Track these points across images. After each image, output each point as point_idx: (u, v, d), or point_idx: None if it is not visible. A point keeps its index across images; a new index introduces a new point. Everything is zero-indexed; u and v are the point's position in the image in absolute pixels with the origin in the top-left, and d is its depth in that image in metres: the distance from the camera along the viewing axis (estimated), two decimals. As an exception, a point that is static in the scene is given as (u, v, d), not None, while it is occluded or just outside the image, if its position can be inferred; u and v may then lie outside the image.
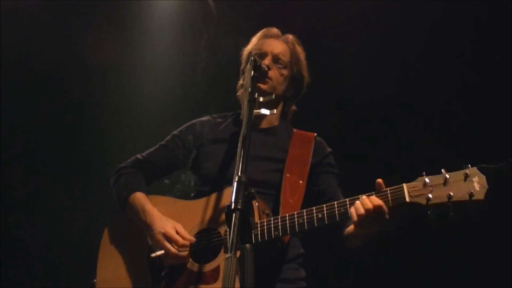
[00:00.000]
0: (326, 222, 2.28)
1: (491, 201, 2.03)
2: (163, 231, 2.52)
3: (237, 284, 1.63)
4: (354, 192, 2.36)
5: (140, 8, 4.89)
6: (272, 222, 2.36)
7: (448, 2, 4.23)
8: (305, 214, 2.32)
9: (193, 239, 2.51)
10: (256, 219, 2.36)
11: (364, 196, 2.23)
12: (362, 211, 2.18)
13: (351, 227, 2.43)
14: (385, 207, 2.18)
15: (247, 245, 1.73)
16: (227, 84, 3.06)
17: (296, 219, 2.32)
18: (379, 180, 2.24)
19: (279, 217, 2.37)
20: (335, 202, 2.30)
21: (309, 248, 2.75)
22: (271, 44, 2.84)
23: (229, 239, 1.70)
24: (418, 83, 4.38)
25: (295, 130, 2.89)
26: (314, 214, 2.30)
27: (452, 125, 4.24)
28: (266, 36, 2.90)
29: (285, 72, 2.82)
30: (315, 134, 2.83)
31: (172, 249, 2.48)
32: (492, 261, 3.97)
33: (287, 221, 2.33)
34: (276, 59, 2.79)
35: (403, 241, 4.13)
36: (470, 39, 4.24)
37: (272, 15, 4.47)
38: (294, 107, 2.98)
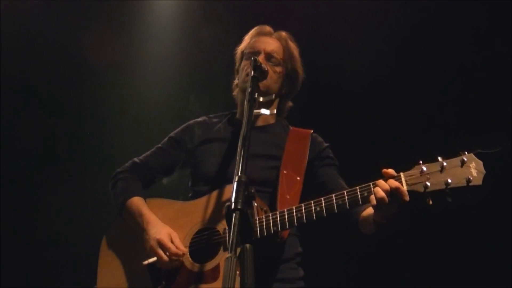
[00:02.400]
0: (324, 214, 2.27)
1: (490, 186, 2.04)
2: (157, 237, 2.52)
3: (237, 284, 1.63)
4: (351, 184, 2.36)
5: (140, 8, 4.89)
6: (270, 217, 2.35)
7: (448, 2, 4.23)
8: (303, 207, 2.31)
9: (185, 250, 2.52)
10: (255, 216, 2.34)
11: (380, 180, 2.18)
12: (382, 194, 2.13)
13: (365, 213, 2.42)
14: (402, 188, 2.12)
15: (247, 245, 1.73)
16: (227, 84, 3.06)
17: (294, 213, 2.31)
18: (385, 170, 2.20)
19: (278, 212, 2.36)
20: (333, 195, 2.28)
21: (308, 247, 2.75)
22: (263, 42, 2.84)
23: (229, 239, 1.70)
24: (417, 81, 4.38)
25: (291, 127, 2.89)
26: (313, 207, 2.29)
27: (449, 119, 4.24)
28: (258, 34, 2.90)
29: (278, 69, 2.81)
30: (312, 131, 2.83)
31: (165, 257, 2.49)
32: (492, 259, 3.97)
33: (286, 216, 2.33)
34: (269, 57, 2.79)
35: (403, 241, 4.13)
36: (470, 39, 4.24)
37: (272, 15, 4.46)
38: (290, 104, 2.98)
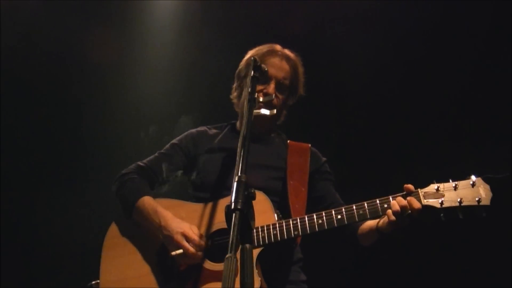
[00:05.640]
0: (345, 222, 2.45)
1: (496, 207, 2.30)
2: (181, 231, 2.56)
3: (237, 284, 1.63)
4: (354, 194, 2.55)
5: (140, 8, 4.89)
6: (291, 222, 2.49)
7: (448, 2, 4.23)
8: (324, 215, 2.47)
9: (205, 241, 2.58)
10: (274, 220, 2.50)
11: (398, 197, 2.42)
12: (397, 207, 2.37)
13: (366, 225, 2.60)
14: (418, 207, 2.37)
15: (247, 245, 1.74)
16: (227, 84, 3.06)
17: (315, 220, 2.47)
18: (406, 185, 2.44)
19: (298, 218, 2.51)
20: (354, 205, 2.46)
21: (307, 253, 2.80)
22: (274, 65, 2.85)
23: (229, 239, 1.70)
24: (418, 83, 4.38)
25: (289, 141, 2.97)
26: (333, 215, 2.46)
27: (452, 126, 4.24)
28: (269, 54, 2.89)
29: (286, 94, 2.90)
30: (310, 145, 2.94)
31: (191, 248, 2.53)
32: (492, 261, 3.97)
33: (306, 222, 2.48)
34: (279, 85, 2.84)
35: (402, 244, 4.12)
36: (471, 39, 4.24)
37: (272, 15, 4.47)
38: (284, 112, 3.03)
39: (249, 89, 2.32)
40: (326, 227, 2.46)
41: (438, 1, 4.27)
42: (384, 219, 2.44)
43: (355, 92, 4.50)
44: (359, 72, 4.44)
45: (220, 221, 2.61)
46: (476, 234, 3.96)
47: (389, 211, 2.39)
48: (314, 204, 2.72)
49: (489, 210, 2.30)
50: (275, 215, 2.52)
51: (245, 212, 1.76)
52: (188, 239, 2.54)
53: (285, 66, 2.88)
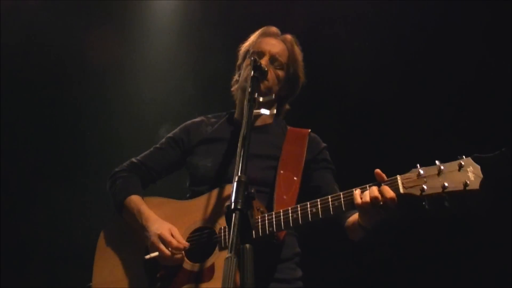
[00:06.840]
0: (320, 216, 2.25)
1: (487, 191, 2.02)
2: (158, 232, 2.51)
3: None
4: (349, 186, 2.35)
5: (140, 8, 4.89)
6: (266, 218, 2.36)
7: (448, 2, 4.23)
8: (299, 209, 2.31)
9: (187, 244, 2.51)
10: (254, 216, 2.36)
11: (373, 186, 2.18)
12: (367, 198, 2.15)
13: (351, 219, 2.43)
14: (391, 197, 2.12)
15: (247, 245, 1.73)
16: (227, 83, 3.06)
17: (290, 215, 2.31)
18: (378, 170, 2.20)
19: (274, 213, 2.37)
20: (329, 196, 2.27)
21: (305, 248, 2.75)
22: (269, 43, 2.83)
23: (229, 239, 1.70)
24: (417, 82, 4.38)
25: (289, 127, 2.89)
26: (308, 209, 2.28)
27: (448, 120, 4.24)
28: (264, 35, 2.89)
29: (281, 73, 2.81)
30: (309, 130, 2.82)
31: (167, 251, 2.49)
32: (492, 260, 3.97)
33: (282, 217, 2.33)
34: (273, 60, 2.79)
35: (401, 240, 4.13)
36: (470, 39, 4.24)
37: (272, 15, 4.46)
38: (288, 106, 2.98)
39: (249, 89, 2.32)
40: (301, 222, 2.27)
41: (438, 1, 4.27)
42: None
43: (355, 91, 4.50)
44: (358, 71, 4.44)
45: (204, 218, 2.53)
46: (474, 227, 3.96)
47: (359, 202, 2.16)
48: (310, 196, 2.51)
49: (480, 195, 2.00)
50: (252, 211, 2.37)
51: (245, 212, 1.75)
52: (164, 242, 2.49)
53: (280, 44, 2.84)
